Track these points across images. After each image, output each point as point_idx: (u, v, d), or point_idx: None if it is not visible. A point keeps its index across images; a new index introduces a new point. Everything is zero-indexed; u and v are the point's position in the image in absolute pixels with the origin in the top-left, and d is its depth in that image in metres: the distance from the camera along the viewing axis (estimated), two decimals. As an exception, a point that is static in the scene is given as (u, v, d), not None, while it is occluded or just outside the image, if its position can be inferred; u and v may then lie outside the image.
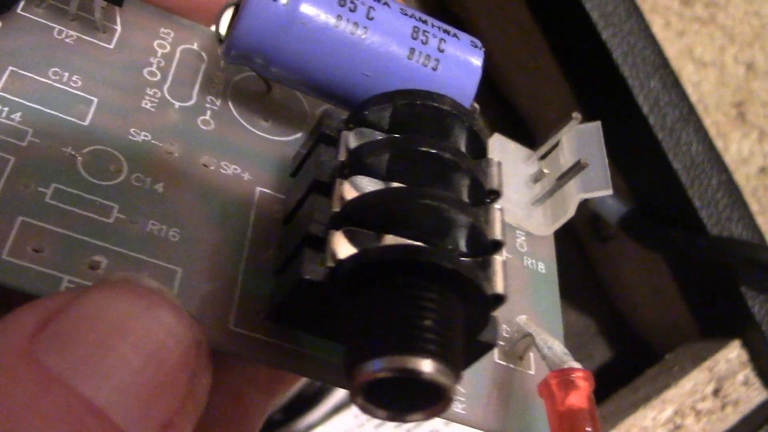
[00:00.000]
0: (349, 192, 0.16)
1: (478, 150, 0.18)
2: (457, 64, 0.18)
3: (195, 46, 0.21)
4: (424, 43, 0.18)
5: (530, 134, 0.43)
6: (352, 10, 0.17)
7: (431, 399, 0.14)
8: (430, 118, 0.17)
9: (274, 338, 0.17)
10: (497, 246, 0.16)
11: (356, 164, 0.16)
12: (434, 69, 0.18)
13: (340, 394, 0.38)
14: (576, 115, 0.21)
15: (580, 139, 0.22)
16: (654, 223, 0.40)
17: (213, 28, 0.19)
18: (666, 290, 0.41)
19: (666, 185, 0.38)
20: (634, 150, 0.40)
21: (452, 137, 0.17)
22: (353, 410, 0.37)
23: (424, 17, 0.19)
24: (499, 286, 0.16)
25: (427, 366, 0.14)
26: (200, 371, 0.14)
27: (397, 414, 0.15)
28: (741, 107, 0.44)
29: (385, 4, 0.18)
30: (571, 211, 0.21)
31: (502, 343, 0.20)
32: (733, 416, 0.38)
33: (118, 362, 0.13)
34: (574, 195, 0.21)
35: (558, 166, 0.22)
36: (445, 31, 0.19)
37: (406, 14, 0.18)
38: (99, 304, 0.14)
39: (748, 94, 0.44)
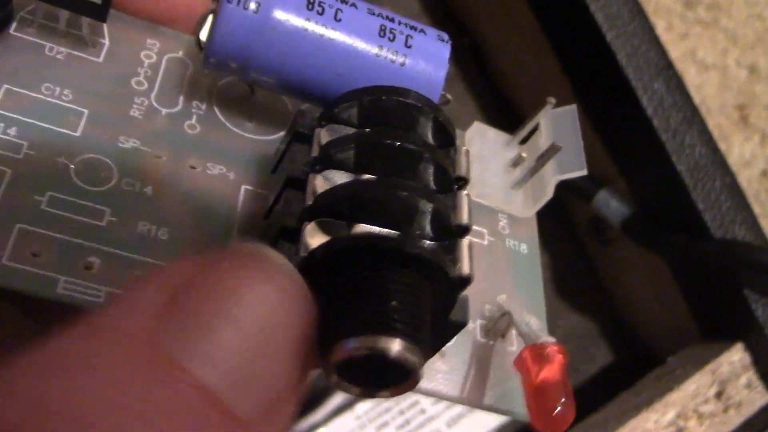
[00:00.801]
0: (321, 185, 0.17)
1: (446, 139, 0.19)
2: (424, 58, 0.20)
3: (180, 54, 0.22)
4: (392, 40, 0.19)
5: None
6: (320, 13, 0.19)
7: (400, 377, 0.15)
8: (396, 112, 0.18)
9: None
10: (463, 230, 0.17)
11: (327, 159, 0.17)
12: (402, 64, 0.19)
13: (341, 396, 0.38)
14: (550, 99, 0.22)
15: (556, 123, 0.23)
16: (656, 226, 0.39)
17: (195, 32, 0.20)
18: (668, 293, 0.41)
19: (669, 187, 0.38)
20: (638, 152, 0.39)
21: (419, 128, 0.18)
22: (355, 412, 0.37)
23: (392, 15, 0.20)
24: (465, 268, 0.17)
25: (395, 345, 0.14)
26: (311, 355, 0.14)
27: (369, 390, 0.16)
28: (743, 110, 0.44)
29: (352, 5, 0.19)
30: (549, 193, 0.22)
31: (483, 321, 0.21)
32: (736, 419, 0.38)
33: (239, 347, 0.12)
34: (551, 177, 0.22)
35: (537, 150, 0.23)
36: (412, 28, 0.20)
37: (373, 14, 0.19)
38: (225, 282, 0.13)
39: (750, 97, 0.44)
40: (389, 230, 0.17)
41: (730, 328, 0.39)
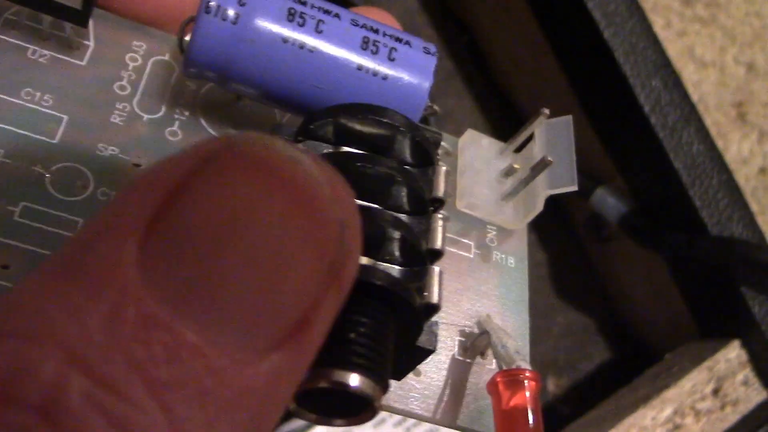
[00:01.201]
0: None
1: (423, 158, 0.18)
2: (408, 71, 0.19)
3: (167, 57, 0.21)
4: (375, 52, 0.19)
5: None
6: (300, 25, 0.18)
7: (358, 407, 0.15)
8: (372, 131, 0.18)
9: None
10: (436, 254, 0.17)
11: None
12: (385, 78, 0.19)
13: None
14: (545, 110, 0.22)
15: (551, 133, 0.22)
16: (654, 223, 0.39)
17: (178, 38, 0.19)
18: (666, 290, 0.41)
19: (667, 185, 0.38)
20: (635, 150, 0.39)
21: (395, 148, 0.18)
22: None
23: (376, 26, 0.19)
24: (433, 297, 0.17)
25: (353, 379, 0.15)
26: (344, 258, 0.12)
27: (325, 418, 0.16)
28: (741, 107, 0.44)
29: (336, 15, 0.19)
30: (539, 207, 0.22)
31: (462, 339, 0.21)
32: (733, 416, 0.38)
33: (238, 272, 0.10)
34: (541, 190, 0.22)
35: (530, 160, 0.22)
36: (397, 39, 0.19)
37: (356, 24, 0.19)
38: (221, 191, 0.11)
39: (748, 95, 0.44)
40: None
41: (727, 325, 0.39)
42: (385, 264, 0.17)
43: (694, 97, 0.40)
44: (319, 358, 0.14)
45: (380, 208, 0.17)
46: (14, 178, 0.18)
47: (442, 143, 0.21)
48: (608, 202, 0.40)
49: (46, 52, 0.20)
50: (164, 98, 0.20)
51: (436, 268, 0.17)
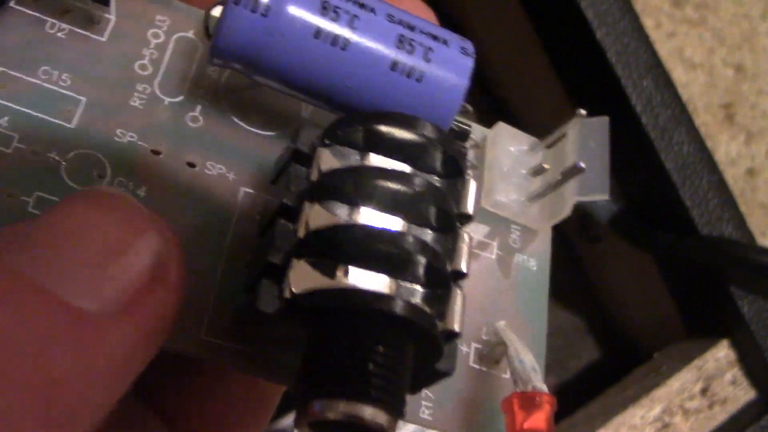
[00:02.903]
0: (315, 218, 0.16)
1: (454, 170, 0.17)
2: (443, 73, 0.18)
3: (191, 34, 0.19)
4: (410, 52, 0.17)
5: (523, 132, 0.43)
6: (334, 20, 0.17)
7: None
8: (402, 141, 0.17)
9: (245, 346, 0.17)
10: (460, 276, 0.17)
11: (326, 187, 0.16)
12: (419, 80, 0.17)
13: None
14: (580, 111, 0.20)
15: (585, 133, 0.21)
16: (644, 223, 0.39)
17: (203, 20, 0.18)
18: (655, 290, 0.41)
19: (657, 185, 0.38)
20: (626, 149, 0.39)
21: (426, 158, 0.17)
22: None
23: (413, 22, 0.18)
24: (455, 323, 0.16)
25: (368, 412, 0.15)
26: (168, 260, 0.15)
27: None
28: (729, 109, 0.44)
29: (372, 10, 0.17)
30: (567, 211, 0.21)
31: (479, 346, 0.20)
32: (721, 415, 0.38)
33: (76, 256, 0.14)
34: (570, 195, 0.20)
35: (561, 161, 0.21)
36: (434, 38, 0.18)
37: (392, 20, 0.17)
38: (62, 214, 0.14)
39: (736, 96, 0.44)
40: (379, 278, 0.16)
41: (716, 325, 0.39)
42: (407, 285, 0.16)
43: (683, 98, 0.40)
44: (336, 387, 0.15)
45: (406, 229, 0.17)
46: (29, 166, 0.17)
47: (471, 135, 0.20)
48: (598, 202, 0.40)
49: (65, 26, 0.18)
50: (186, 80, 0.19)
51: (459, 293, 0.16)
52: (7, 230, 0.14)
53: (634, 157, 0.39)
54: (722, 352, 0.38)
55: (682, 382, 0.38)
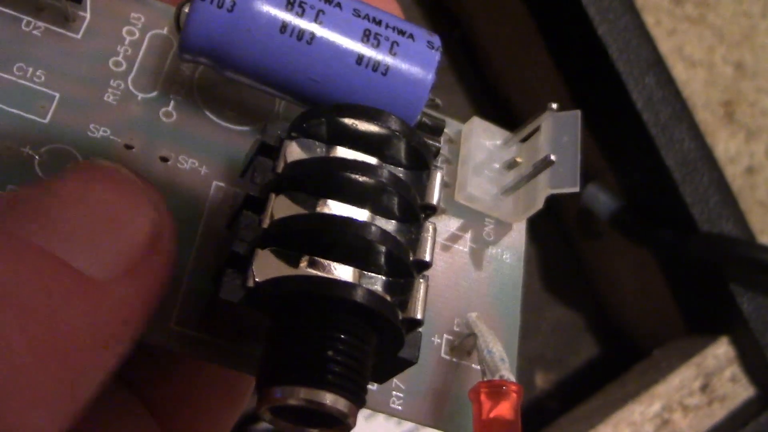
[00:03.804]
0: (280, 209, 0.16)
1: (419, 162, 0.17)
2: (409, 67, 0.18)
3: (165, 31, 0.20)
4: (375, 46, 0.17)
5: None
6: (299, 15, 0.17)
7: (331, 423, 0.15)
8: (366, 133, 0.17)
9: (213, 336, 0.17)
10: (423, 266, 0.17)
11: (291, 179, 0.16)
12: (384, 74, 0.17)
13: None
14: (552, 105, 0.21)
15: (557, 127, 0.21)
16: (644, 220, 0.39)
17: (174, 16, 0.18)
18: (655, 286, 0.41)
19: (658, 182, 0.38)
20: (627, 146, 0.39)
21: (390, 150, 0.17)
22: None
23: (380, 17, 0.18)
24: (417, 312, 0.16)
25: (328, 398, 0.15)
26: (162, 229, 0.15)
27: (300, 428, 0.16)
28: (729, 107, 0.44)
29: (337, 5, 0.17)
30: (539, 204, 0.21)
31: (450, 337, 0.20)
32: (720, 412, 0.37)
33: (80, 224, 0.14)
34: (542, 188, 0.21)
35: (534, 154, 0.21)
36: (400, 32, 0.18)
37: (359, 15, 0.17)
38: (64, 184, 0.15)
39: (736, 94, 0.44)
40: (342, 267, 0.16)
41: (716, 322, 0.38)
42: (370, 274, 0.17)
43: (683, 95, 0.39)
44: (296, 374, 0.15)
45: (370, 219, 0.17)
46: (3, 161, 0.17)
47: (445, 130, 0.20)
48: (599, 198, 0.40)
49: (40, 24, 0.18)
50: (160, 76, 0.19)
51: (422, 282, 0.17)
52: (9, 195, 0.15)
53: (634, 154, 0.39)
54: (722, 349, 0.38)
55: (682, 379, 0.38)
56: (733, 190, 0.39)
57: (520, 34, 0.42)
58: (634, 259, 0.41)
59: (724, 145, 0.44)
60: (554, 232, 0.44)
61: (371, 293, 0.16)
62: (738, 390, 0.38)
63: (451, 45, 0.44)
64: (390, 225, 0.17)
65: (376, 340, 0.16)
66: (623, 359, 0.41)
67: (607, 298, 0.44)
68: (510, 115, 0.42)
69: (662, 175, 0.37)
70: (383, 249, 0.16)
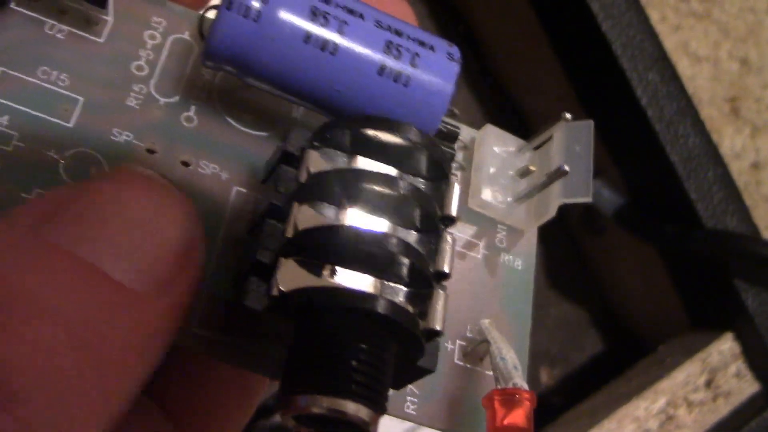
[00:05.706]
0: (304, 219, 0.16)
1: (438, 173, 0.18)
2: (429, 79, 0.18)
3: (186, 35, 0.20)
4: (397, 57, 0.18)
5: (527, 125, 0.42)
6: (323, 25, 0.17)
7: (354, 430, 0.16)
8: (388, 145, 0.17)
9: (233, 339, 0.18)
10: (442, 277, 0.17)
11: (314, 188, 0.17)
12: (405, 85, 0.18)
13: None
14: (566, 115, 0.21)
15: (570, 137, 0.21)
16: (648, 215, 0.39)
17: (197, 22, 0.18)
18: (659, 282, 0.40)
19: (662, 177, 0.37)
20: (631, 142, 0.39)
21: (412, 161, 0.18)
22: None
23: (401, 28, 0.18)
24: (436, 322, 0.17)
25: (350, 407, 0.15)
26: (196, 240, 0.15)
27: None
28: (734, 102, 0.43)
29: (360, 16, 0.18)
30: (551, 212, 0.21)
31: (463, 343, 0.20)
32: (725, 408, 0.37)
33: (119, 235, 0.14)
34: (555, 197, 0.21)
35: (546, 163, 0.21)
36: (421, 44, 0.18)
37: (381, 26, 0.18)
38: (102, 192, 0.15)
39: (741, 90, 0.43)
40: (364, 278, 0.17)
41: (720, 318, 0.38)
42: (391, 284, 0.17)
43: (688, 91, 0.39)
44: (319, 383, 0.15)
45: (391, 230, 0.17)
46: (28, 164, 0.17)
47: (459, 138, 0.21)
48: (603, 194, 0.40)
49: (64, 27, 0.19)
50: (181, 81, 0.19)
51: (441, 293, 0.17)
52: (44, 202, 0.14)
53: (639, 150, 0.38)
54: (726, 345, 0.38)
55: (686, 375, 0.37)
56: (738, 186, 0.38)
57: (523, 31, 0.41)
58: (639, 254, 0.40)
59: (730, 141, 0.43)
60: (558, 227, 0.44)
61: (394, 305, 0.16)
62: (743, 386, 0.37)
63: (454, 41, 0.44)
64: (411, 236, 0.17)
65: (396, 350, 0.16)
66: (628, 355, 0.41)
67: (612, 294, 0.44)
68: (513, 112, 0.42)
69: (667, 170, 0.37)
70: (406, 261, 0.16)
